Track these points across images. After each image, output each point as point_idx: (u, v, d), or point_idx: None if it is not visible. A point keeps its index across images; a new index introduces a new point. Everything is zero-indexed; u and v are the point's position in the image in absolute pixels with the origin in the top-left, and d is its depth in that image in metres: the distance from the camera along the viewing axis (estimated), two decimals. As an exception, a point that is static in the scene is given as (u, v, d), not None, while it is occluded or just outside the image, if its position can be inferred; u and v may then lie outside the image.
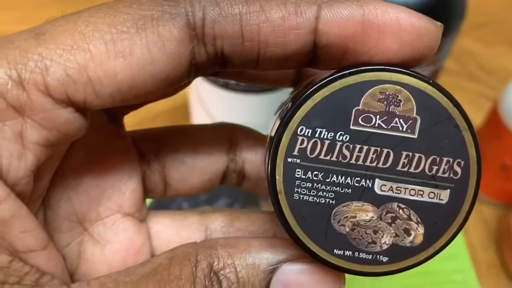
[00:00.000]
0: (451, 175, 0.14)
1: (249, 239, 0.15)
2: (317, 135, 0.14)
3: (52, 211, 0.17)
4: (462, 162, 0.14)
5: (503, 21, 0.61)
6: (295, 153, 0.14)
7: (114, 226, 0.18)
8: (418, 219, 0.14)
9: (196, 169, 0.19)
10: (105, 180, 0.18)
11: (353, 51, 0.14)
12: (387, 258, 0.14)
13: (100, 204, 0.18)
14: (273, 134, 0.14)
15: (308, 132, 0.14)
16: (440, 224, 0.14)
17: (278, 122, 0.14)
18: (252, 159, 0.20)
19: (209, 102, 0.38)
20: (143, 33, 0.13)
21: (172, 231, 0.20)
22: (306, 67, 0.15)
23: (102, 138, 0.17)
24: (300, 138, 0.14)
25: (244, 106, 0.35)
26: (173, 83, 0.14)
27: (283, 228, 0.14)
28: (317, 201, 0.14)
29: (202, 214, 0.20)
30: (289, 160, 0.14)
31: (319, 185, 0.14)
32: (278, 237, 0.16)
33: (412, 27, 0.14)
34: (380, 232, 0.14)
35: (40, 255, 0.14)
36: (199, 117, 0.41)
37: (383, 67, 0.14)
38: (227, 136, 0.20)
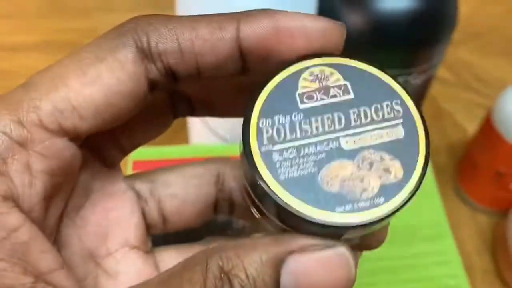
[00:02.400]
0: (396, 113, 0.16)
1: (256, 239, 0.16)
2: (276, 123, 0.16)
3: (66, 249, 0.19)
4: (399, 101, 0.17)
5: (498, 32, 0.62)
6: (265, 142, 0.16)
7: (123, 259, 0.20)
8: (391, 156, 0.16)
9: (188, 202, 0.22)
10: (109, 219, 0.20)
11: (274, 52, 0.17)
12: (383, 199, 0.15)
13: (108, 240, 0.20)
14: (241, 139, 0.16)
15: (268, 122, 0.16)
16: (410, 154, 0.16)
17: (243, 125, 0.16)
18: (237, 188, 0.22)
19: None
20: (105, 61, 0.16)
21: (178, 262, 0.21)
22: (242, 75, 0.18)
23: (101, 182, 0.20)
24: (264, 129, 0.16)
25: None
26: (139, 99, 0.17)
27: (286, 216, 0.15)
28: (302, 174, 0.15)
29: (206, 244, 0.22)
30: (263, 149, 0.16)
31: (297, 160, 0.16)
32: (284, 233, 0.16)
33: (317, 29, 0.17)
34: (365, 178, 0.16)
35: (61, 274, 0.15)
36: (196, 127, 0.41)
37: (304, 56, 0.17)
38: (216, 169, 0.22)
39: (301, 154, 0.16)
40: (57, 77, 0.16)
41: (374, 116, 0.16)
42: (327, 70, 0.17)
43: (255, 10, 0.17)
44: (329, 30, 0.17)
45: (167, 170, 0.22)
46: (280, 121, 0.16)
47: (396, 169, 0.16)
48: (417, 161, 0.16)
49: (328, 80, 0.17)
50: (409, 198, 0.15)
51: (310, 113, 0.16)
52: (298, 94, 0.16)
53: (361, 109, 0.16)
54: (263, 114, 0.16)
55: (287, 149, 0.16)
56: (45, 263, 0.15)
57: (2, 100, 0.16)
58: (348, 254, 0.15)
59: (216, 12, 0.17)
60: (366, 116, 0.16)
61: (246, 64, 0.18)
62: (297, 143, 0.16)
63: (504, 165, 0.41)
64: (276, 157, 0.16)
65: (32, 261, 0.15)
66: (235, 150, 0.22)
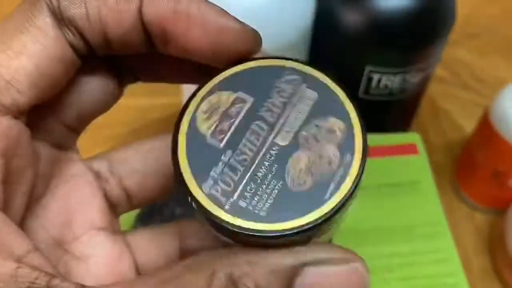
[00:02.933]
0: (294, 82, 0.16)
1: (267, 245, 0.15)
2: (217, 177, 0.15)
3: (33, 241, 0.18)
4: (287, 71, 0.16)
5: (496, 31, 0.62)
6: (224, 200, 0.15)
7: (91, 242, 0.19)
8: (323, 119, 0.16)
9: (149, 175, 0.21)
10: (71, 204, 0.19)
11: (171, 35, 0.17)
12: (349, 154, 0.15)
13: (72, 225, 0.19)
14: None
15: (210, 183, 0.15)
16: (334, 104, 0.16)
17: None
18: None
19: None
20: (26, 31, 0.16)
21: (150, 242, 0.21)
22: (152, 49, 0.18)
23: (58, 168, 0.19)
24: (213, 192, 0.15)
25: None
26: (69, 63, 0.17)
27: (291, 236, 0.15)
28: (275, 195, 0.15)
29: (177, 223, 0.22)
30: (227, 207, 0.15)
31: (261, 189, 0.15)
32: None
33: (215, 23, 0.16)
34: (322, 152, 0.15)
35: (37, 255, 0.15)
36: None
37: (189, 97, 0.16)
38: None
39: (259, 181, 0.15)
40: None
41: (280, 99, 0.16)
42: (212, 98, 0.16)
43: None
44: (228, 29, 0.16)
45: (124, 148, 0.22)
46: (218, 172, 0.15)
47: (336, 124, 0.16)
48: (344, 103, 0.16)
49: (220, 105, 0.16)
50: (365, 134, 0.15)
51: (234, 143, 0.15)
52: (210, 138, 0.16)
53: (268, 103, 0.16)
54: (198, 180, 0.15)
55: (244, 188, 0.15)
56: (19, 245, 0.14)
57: None
58: (364, 269, 0.15)
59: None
60: (275, 105, 0.16)
61: (151, 39, 0.17)
62: (247, 176, 0.15)
63: (502, 164, 0.41)
64: (243, 203, 0.15)
65: (6, 245, 0.14)
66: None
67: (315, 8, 0.37)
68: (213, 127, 0.16)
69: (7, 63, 0.16)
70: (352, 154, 0.15)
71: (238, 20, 0.17)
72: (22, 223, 0.17)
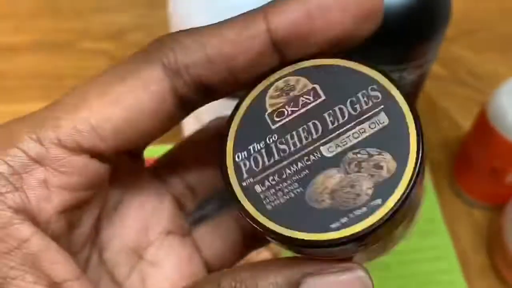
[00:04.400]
0: (374, 100, 0.15)
1: (270, 260, 0.16)
2: (252, 152, 0.15)
3: (108, 250, 0.19)
4: (375, 86, 0.15)
5: (493, 28, 0.62)
6: (245, 176, 0.15)
7: (163, 246, 0.20)
8: (378, 150, 0.14)
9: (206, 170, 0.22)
10: (144, 211, 0.20)
11: (307, 35, 0.15)
12: (380, 200, 0.14)
13: (146, 232, 0.20)
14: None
15: (244, 154, 0.15)
16: (399, 141, 0.14)
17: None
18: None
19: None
20: (127, 81, 0.16)
21: (214, 235, 0.22)
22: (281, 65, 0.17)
23: (130, 176, 0.20)
24: (241, 163, 0.15)
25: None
26: (165, 118, 0.17)
27: (280, 243, 0.15)
28: (289, 197, 0.14)
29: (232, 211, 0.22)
30: (244, 184, 0.15)
31: (280, 185, 0.15)
32: (297, 256, 0.16)
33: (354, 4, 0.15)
34: (356, 183, 0.14)
35: (75, 285, 0.15)
36: (189, 124, 0.41)
37: (268, 71, 0.16)
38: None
39: (283, 177, 0.15)
40: (81, 98, 0.16)
41: (351, 111, 0.15)
42: (292, 79, 0.16)
43: None
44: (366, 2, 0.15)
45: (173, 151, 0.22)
46: (256, 149, 0.15)
47: (388, 162, 0.14)
48: (409, 146, 0.14)
49: (295, 89, 0.15)
50: (409, 191, 0.14)
51: (284, 130, 0.15)
52: (268, 115, 0.15)
53: (336, 109, 0.15)
54: (237, 147, 0.15)
55: (268, 176, 0.15)
56: (58, 273, 0.15)
57: (28, 118, 0.16)
58: (367, 277, 0.15)
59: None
60: (343, 115, 0.15)
61: (283, 55, 0.16)
62: (277, 166, 0.15)
63: (499, 160, 0.41)
64: (258, 188, 0.15)
65: (44, 271, 0.15)
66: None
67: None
68: (276, 106, 0.15)
69: (98, 110, 0.16)
70: (384, 201, 0.14)
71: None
72: (98, 234, 0.19)
